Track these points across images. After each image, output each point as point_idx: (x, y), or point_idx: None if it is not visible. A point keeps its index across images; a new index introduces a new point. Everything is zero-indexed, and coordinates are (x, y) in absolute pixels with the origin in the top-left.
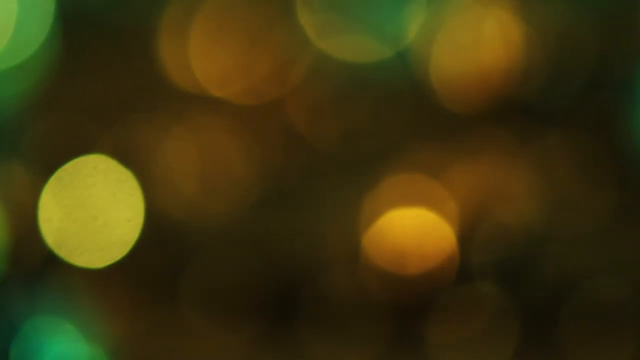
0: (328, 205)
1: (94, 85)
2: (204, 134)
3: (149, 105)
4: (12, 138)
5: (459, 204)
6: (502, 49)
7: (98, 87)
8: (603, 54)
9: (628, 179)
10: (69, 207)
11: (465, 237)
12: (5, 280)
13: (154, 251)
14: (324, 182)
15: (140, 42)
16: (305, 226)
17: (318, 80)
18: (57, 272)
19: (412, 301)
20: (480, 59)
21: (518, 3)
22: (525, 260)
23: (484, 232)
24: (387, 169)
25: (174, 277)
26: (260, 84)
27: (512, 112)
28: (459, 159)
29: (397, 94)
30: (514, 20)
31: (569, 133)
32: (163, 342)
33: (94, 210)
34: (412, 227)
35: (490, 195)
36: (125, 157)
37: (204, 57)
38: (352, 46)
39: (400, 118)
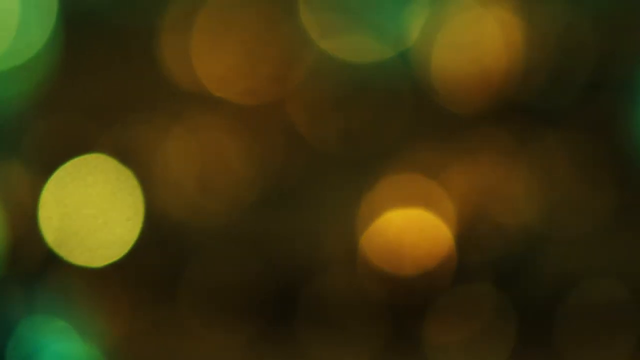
0: (328, 205)
1: (95, 85)
2: (204, 134)
3: (149, 105)
4: (12, 138)
5: (459, 204)
6: (503, 50)
7: (98, 86)
8: (603, 54)
9: (628, 179)
10: (69, 206)
11: (466, 237)
12: (4, 279)
13: (154, 251)
14: (324, 182)
15: (141, 42)
16: (305, 226)
17: (318, 80)
18: (56, 271)
19: (411, 301)
20: (480, 60)
21: (518, 3)
22: (524, 260)
23: (484, 232)
24: (387, 169)
25: (173, 276)
26: (261, 84)
27: (512, 112)
28: (459, 159)
29: (398, 94)
30: (514, 20)
31: (569, 133)
32: (162, 342)
33: (93, 209)
34: (412, 227)
35: (490, 195)
36: (125, 156)
37: (204, 57)
38: (353, 46)
39: (400, 118)
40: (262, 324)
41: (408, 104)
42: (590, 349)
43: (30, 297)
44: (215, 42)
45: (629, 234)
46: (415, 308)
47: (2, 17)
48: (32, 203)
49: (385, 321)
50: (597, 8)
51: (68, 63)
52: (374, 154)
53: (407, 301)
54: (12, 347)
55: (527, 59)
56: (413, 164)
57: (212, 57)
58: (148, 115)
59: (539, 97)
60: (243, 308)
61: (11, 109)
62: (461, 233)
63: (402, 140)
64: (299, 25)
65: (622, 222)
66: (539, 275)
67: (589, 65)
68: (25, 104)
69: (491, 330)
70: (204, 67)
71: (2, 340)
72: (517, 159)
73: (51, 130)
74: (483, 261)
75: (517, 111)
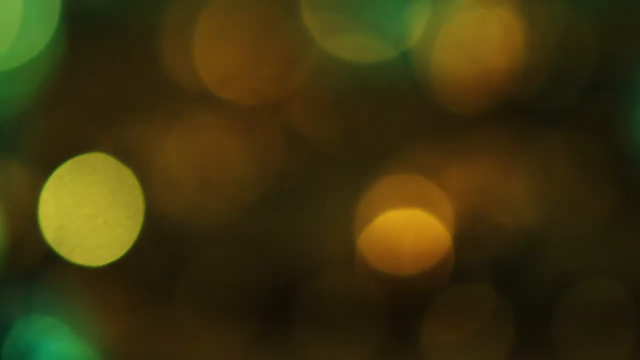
0: (328, 205)
1: (95, 85)
2: (204, 133)
3: (150, 105)
4: (12, 138)
5: (459, 204)
6: (503, 50)
7: (99, 86)
8: (603, 54)
9: (628, 179)
10: (68, 206)
11: (465, 237)
12: (3, 278)
13: (154, 250)
14: (324, 182)
15: (141, 42)
16: (305, 226)
17: (319, 80)
18: (55, 270)
19: (410, 301)
20: (481, 60)
21: (519, 4)
22: (523, 260)
23: (483, 232)
24: (387, 169)
25: (172, 276)
26: (261, 84)
27: (512, 112)
28: (459, 159)
29: (399, 94)
30: (515, 21)
31: (569, 133)
32: (161, 342)
33: (93, 208)
34: (411, 227)
35: (490, 195)
36: (125, 156)
37: (205, 57)
38: (354, 46)
39: (401, 118)
40: (262, 323)
41: (408, 104)
42: (589, 348)
43: (30, 296)
44: (216, 42)
45: (629, 234)
46: (414, 308)
47: (3, 18)
48: (32, 202)
49: (384, 321)
50: (597, 8)
51: (69, 63)
52: (374, 154)
53: (406, 301)
54: (10, 346)
55: (527, 59)
56: (413, 164)
57: (212, 57)
58: (148, 115)
59: (539, 97)
60: (242, 308)
61: (11, 109)
62: (460, 233)
63: (402, 140)
64: (300, 25)
65: (622, 222)
66: (539, 275)
67: (589, 65)
68: (25, 103)
69: (490, 330)
70: (204, 67)
71: (0, 339)
72: (517, 159)
73: (51, 129)
74: (482, 261)
75: (517, 111)
